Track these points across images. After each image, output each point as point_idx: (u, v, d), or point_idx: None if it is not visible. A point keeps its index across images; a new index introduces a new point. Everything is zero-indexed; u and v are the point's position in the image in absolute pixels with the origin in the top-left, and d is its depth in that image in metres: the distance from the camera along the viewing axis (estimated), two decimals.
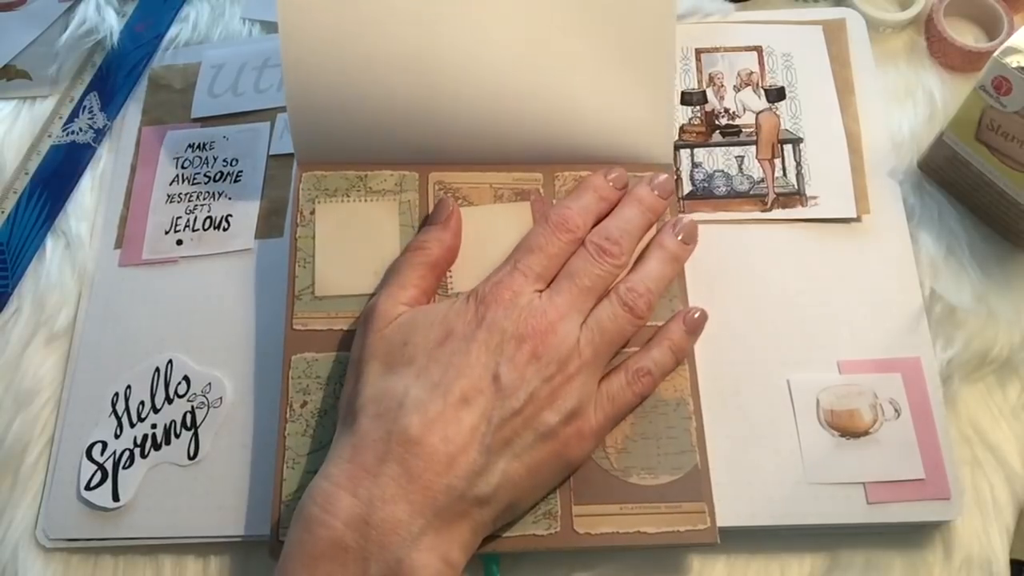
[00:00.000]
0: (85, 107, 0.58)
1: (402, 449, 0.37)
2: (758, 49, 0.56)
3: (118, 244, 0.52)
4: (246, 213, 0.52)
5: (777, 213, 0.51)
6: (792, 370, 0.47)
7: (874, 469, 0.44)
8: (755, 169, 0.52)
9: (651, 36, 0.47)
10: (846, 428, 0.45)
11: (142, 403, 0.47)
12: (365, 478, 0.37)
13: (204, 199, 0.53)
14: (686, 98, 0.54)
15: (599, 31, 0.46)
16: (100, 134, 0.57)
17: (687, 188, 0.51)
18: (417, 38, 0.45)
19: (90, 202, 0.55)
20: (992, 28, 0.57)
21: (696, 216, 0.50)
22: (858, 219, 0.51)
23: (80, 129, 0.57)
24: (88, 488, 0.46)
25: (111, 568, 0.46)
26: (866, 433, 0.45)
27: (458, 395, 0.38)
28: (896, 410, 0.46)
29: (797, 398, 0.46)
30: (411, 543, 0.36)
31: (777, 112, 0.54)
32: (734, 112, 0.54)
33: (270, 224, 0.51)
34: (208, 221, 0.52)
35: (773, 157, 0.52)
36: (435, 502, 0.37)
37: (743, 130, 0.53)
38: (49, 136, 0.57)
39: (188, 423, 0.47)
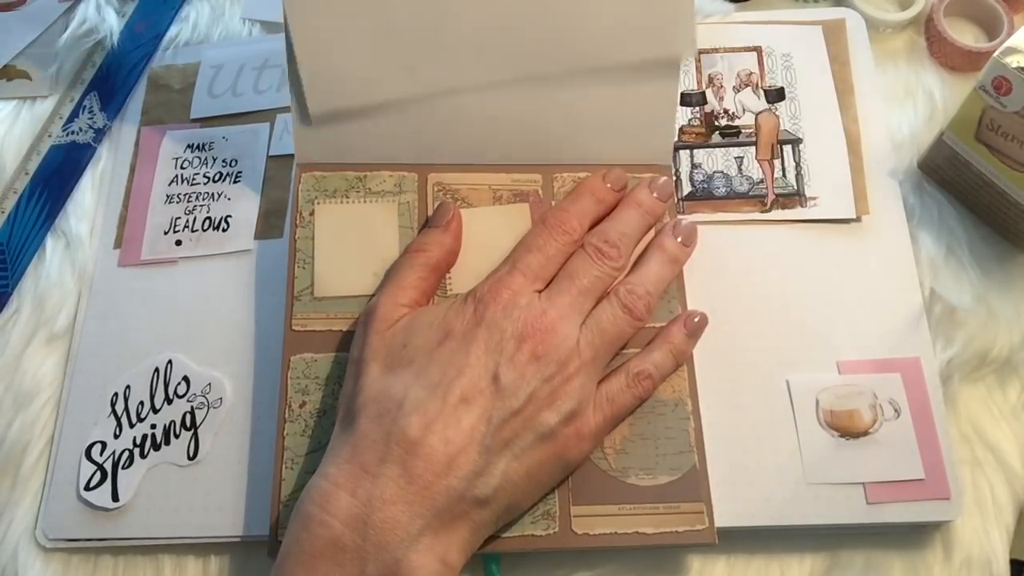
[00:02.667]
0: (85, 107, 0.58)
1: (401, 450, 0.37)
2: (757, 49, 0.56)
3: (117, 244, 0.52)
4: (245, 214, 0.52)
5: (777, 214, 0.51)
6: (792, 370, 0.47)
7: (874, 469, 0.44)
8: (754, 170, 0.52)
9: (658, 35, 0.46)
10: (846, 428, 0.45)
11: (141, 403, 0.47)
12: (364, 478, 0.37)
13: (203, 200, 0.53)
14: (685, 99, 0.54)
15: (603, 31, 0.46)
16: (100, 134, 0.57)
17: (687, 189, 0.51)
18: (419, 39, 0.45)
19: (90, 202, 0.55)
20: (992, 28, 0.57)
21: (696, 217, 0.50)
22: (858, 219, 0.51)
23: (80, 129, 0.57)
24: (88, 488, 0.46)
25: (111, 568, 0.46)
26: (866, 433, 0.45)
27: (458, 395, 0.38)
28: (896, 410, 0.46)
29: (797, 398, 0.46)
30: (409, 544, 0.36)
31: (776, 113, 0.54)
32: (733, 113, 0.54)
33: (269, 225, 0.51)
34: (207, 222, 0.52)
35: (772, 158, 0.52)
36: (434, 503, 0.37)
37: (742, 131, 0.53)
38: (49, 136, 0.57)
39: (188, 423, 0.47)
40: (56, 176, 0.56)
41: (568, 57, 0.46)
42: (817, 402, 0.46)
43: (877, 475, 0.44)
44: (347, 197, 0.47)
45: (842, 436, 0.45)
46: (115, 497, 0.45)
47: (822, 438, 0.45)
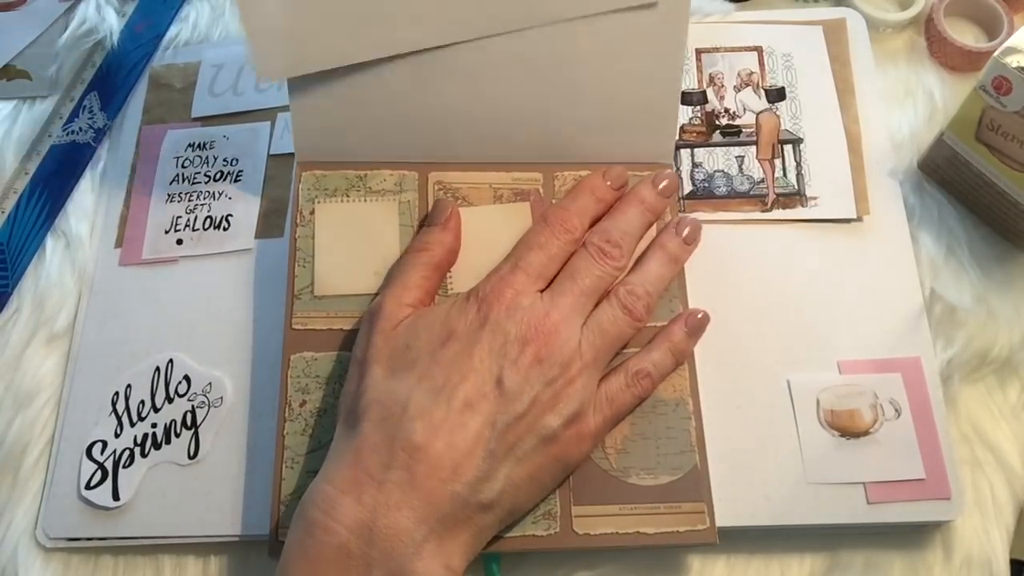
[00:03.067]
0: (85, 107, 0.58)
1: (406, 455, 0.37)
2: (758, 49, 0.56)
3: (118, 244, 0.52)
4: (246, 213, 0.52)
5: (777, 213, 0.51)
6: (792, 370, 0.47)
7: (874, 469, 0.44)
8: (755, 169, 0.52)
9: (660, 35, 0.46)
10: (846, 428, 0.45)
11: (142, 402, 0.47)
12: (369, 484, 0.37)
13: (204, 199, 0.53)
14: (686, 98, 0.54)
15: (605, 29, 0.46)
16: (100, 134, 0.57)
17: (687, 188, 0.51)
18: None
19: (90, 202, 0.55)
20: (992, 28, 0.57)
21: (696, 216, 0.50)
22: (858, 219, 0.51)
23: (80, 129, 0.57)
24: (88, 487, 0.46)
25: (111, 568, 0.46)
26: (866, 433, 0.45)
27: (462, 400, 0.38)
28: (896, 410, 0.46)
29: (797, 398, 0.46)
30: (414, 551, 0.36)
31: (777, 112, 0.54)
32: (734, 112, 0.54)
33: (270, 224, 0.51)
34: (208, 221, 0.52)
35: (773, 157, 0.52)
36: (439, 509, 0.37)
37: (743, 130, 0.53)
38: (49, 136, 0.57)
39: (188, 422, 0.47)
40: (56, 176, 0.56)
41: (568, 54, 0.46)
42: (818, 402, 0.46)
43: (878, 475, 0.44)
44: (347, 196, 0.47)
45: (843, 436, 0.45)
46: (116, 496, 0.45)
47: (823, 438, 0.45)
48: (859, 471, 0.44)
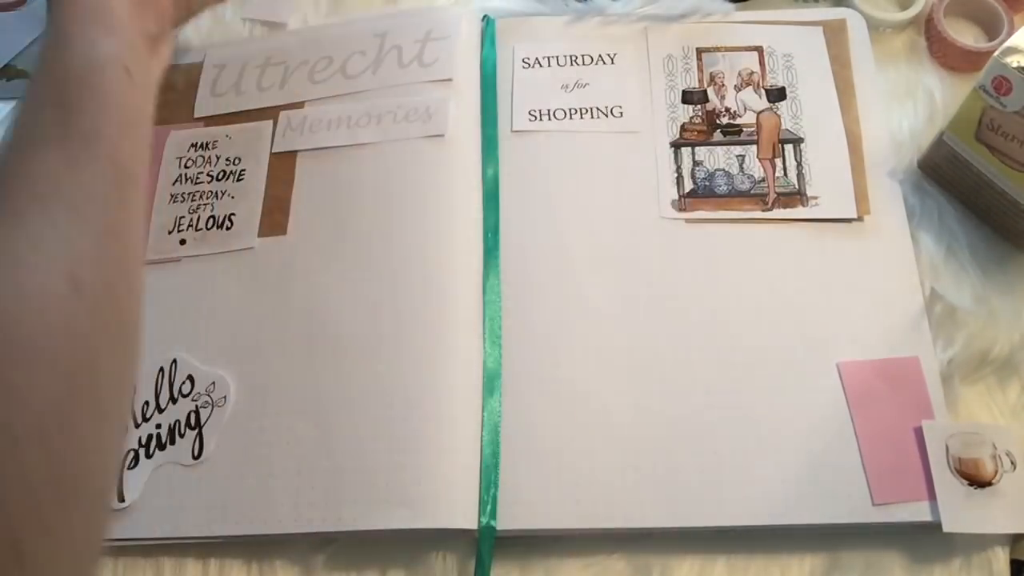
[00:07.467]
0: None
1: None
2: (759, 49, 0.56)
3: None
4: (249, 212, 0.52)
5: (778, 213, 0.51)
6: (792, 369, 0.47)
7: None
8: (756, 168, 0.52)
9: None
10: (973, 476, 0.44)
11: (147, 403, 0.47)
12: None
13: (207, 198, 0.53)
14: (687, 97, 0.54)
15: None
16: None
17: (688, 186, 0.52)
18: None
19: None
20: (992, 28, 0.57)
21: (697, 215, 0.50)
22: (859, 219, 0.51)
23: None
24: None
25: (111, 568, 0.46)
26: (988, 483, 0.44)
27: None
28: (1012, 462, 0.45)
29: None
30: None
31: (778, 112, 0.54)
32: (735, 111, 0.54)
33: (273, 223, 0.51)
34: (211, 220, 0.52)
35: (774, 157, 0.52)
36: None
37: (744, 129, 0.53)
38: None
39: (192, 423, 0.47)
40: None
41: None
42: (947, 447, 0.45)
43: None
44: None
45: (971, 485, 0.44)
46: (121, 497, 0.45)
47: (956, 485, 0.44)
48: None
